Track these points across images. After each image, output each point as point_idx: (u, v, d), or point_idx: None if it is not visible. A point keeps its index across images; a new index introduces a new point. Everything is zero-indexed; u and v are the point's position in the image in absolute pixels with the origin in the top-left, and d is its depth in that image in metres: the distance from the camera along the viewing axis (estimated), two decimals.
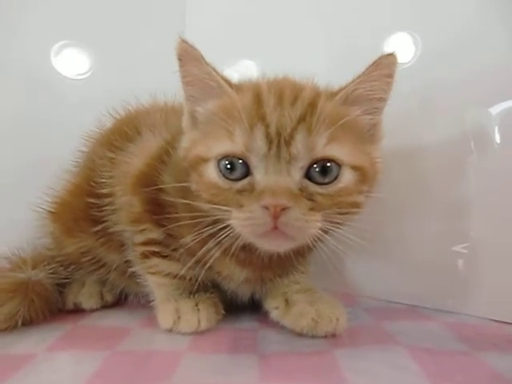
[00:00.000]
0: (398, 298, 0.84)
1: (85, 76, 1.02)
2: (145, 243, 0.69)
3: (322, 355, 0.57)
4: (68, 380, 0.50)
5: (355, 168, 0.57)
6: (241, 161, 0.55)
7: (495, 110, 0.73)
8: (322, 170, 0.55)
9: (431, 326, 0.70)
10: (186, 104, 0.64)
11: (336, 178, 0.55)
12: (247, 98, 0.57)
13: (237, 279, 0.68)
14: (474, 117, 0.76)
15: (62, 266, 0.77)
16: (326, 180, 0.55)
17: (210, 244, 0.59)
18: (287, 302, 0.67)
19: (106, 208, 0.71)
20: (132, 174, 0.67)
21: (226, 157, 0.56)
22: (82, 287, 0.79)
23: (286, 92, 0.57)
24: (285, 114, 0.55)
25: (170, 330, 0.65)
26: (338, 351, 0.57)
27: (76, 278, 0.79)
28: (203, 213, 0.58)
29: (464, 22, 0.77)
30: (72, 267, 0.78)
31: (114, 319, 0.74)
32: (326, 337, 0.62)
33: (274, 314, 0.68)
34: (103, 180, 0.72)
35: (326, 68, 0.86)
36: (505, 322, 0.71)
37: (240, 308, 0.75)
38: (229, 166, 0.56)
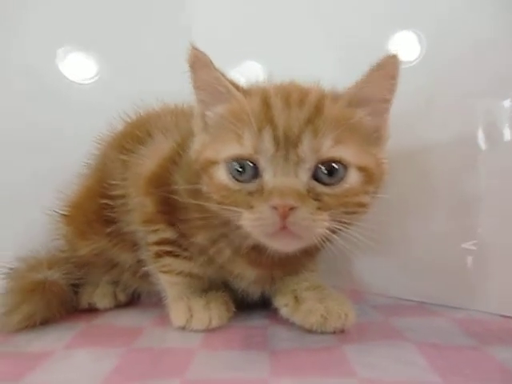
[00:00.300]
0: (406, 295, 0.84)
1: (92, 80, 1.02)
2: (158, 243, 0.70)
3: (331, 351, 0.57)
4: (88, 376, 0.52)
5: (361, 169, 0.57)
6: (250, 163, 0.56)
7: (503, 106, 0.73)
8: (329, 170, 0.56)
9: (439, 322, 0.70)
10: (197, 107, 0.65)
11: (342, 179, 0.56)
12: (255, 102, 0.58)
13: (247, 278, 0.69)
14: (482, 114, 0.76)
15: (76, 266, 0.78)
16: (333, 181, 0.56)
17: (221, 243, 0.60)
18: (297, 299, 0.68)
19: (119, 209, 0.73)
20: (144, 176, 0.68)
21: (235, 159, 0.57)
22: (96, 288, 0.81)
23: (293, 96, 0.58)
24: (292, 116, 0.56)
25: (183, 328, 0.66)
26: (346, 347, 0.58)
27: (90, 279, 0.81)
28: (214, 213, 0.59)
29: (466, 17, 0.76)
30: (86, 268, 0.80)
31: (127, 318, 0.75)
32: (334, 333, 0.63)
33: (284, 311, 0.68)
34: (116, 182, 0.73)
35: (331, 68, 0.87)
36: None
37: (250, 306, 0.76)
38: (239, 169, 0.57)
